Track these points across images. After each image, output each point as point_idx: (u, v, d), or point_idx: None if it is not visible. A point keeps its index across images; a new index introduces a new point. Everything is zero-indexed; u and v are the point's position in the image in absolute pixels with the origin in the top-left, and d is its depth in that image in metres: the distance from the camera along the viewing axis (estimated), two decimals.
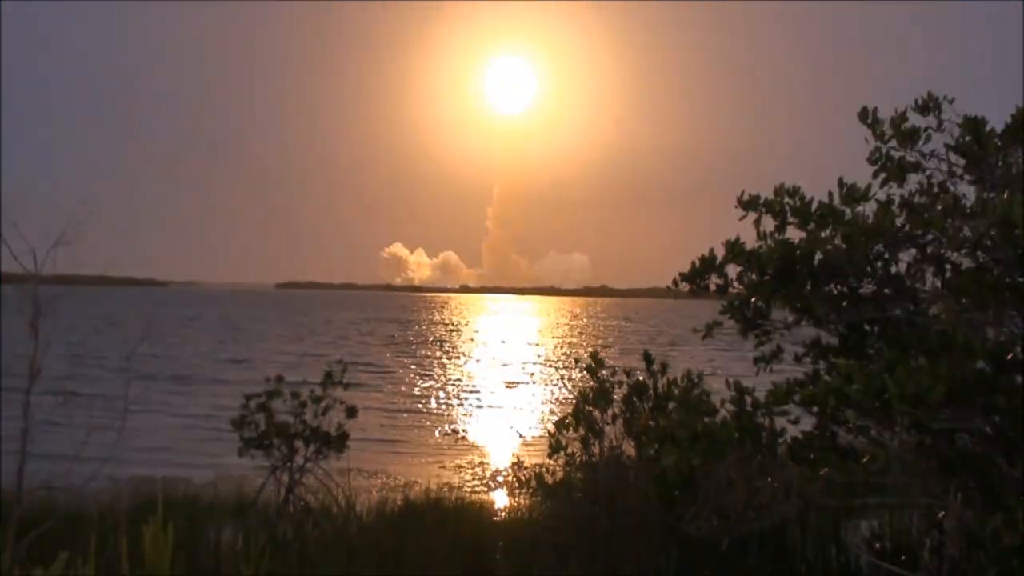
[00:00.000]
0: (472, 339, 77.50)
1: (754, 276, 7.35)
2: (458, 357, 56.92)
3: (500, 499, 11.15)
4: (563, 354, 54.72)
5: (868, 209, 6.99)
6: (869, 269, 7.09)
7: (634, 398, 9.40)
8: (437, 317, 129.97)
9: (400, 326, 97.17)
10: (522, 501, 10.41)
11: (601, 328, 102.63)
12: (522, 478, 10.01)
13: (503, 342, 73.98)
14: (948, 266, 6.91)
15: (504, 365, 50.47)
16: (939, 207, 6.73)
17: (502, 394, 35.59)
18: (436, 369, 47.12)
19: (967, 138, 6.93)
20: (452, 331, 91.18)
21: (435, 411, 30.19)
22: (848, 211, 7.00)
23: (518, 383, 39.50)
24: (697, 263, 7.62)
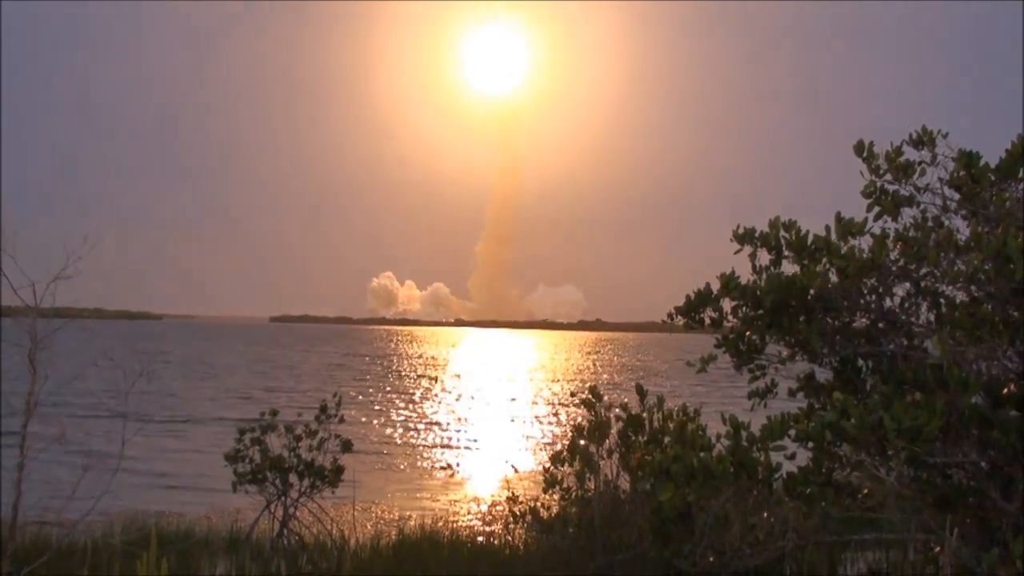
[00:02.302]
0: (464, 374, 77.29)
1: (749, 310, 7.37)
2: (453, 392, 56.77)
3: (495, 533, 11.08)
4: (560, 388, 54.61)
5: (863, 243, 7.02)
6: (863, 303, 7.11)
7: (630, 432, 9.39)
8: (430, 352, 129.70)
9: (392, 360, 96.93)
10: (518, 535, 10.36)
11: (595, 362, 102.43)
12: (517, 512, 9.98)
13: (498, 377, 73.82)
14: (942, 300, 6.94)
15: (499, 399, 50.32)
16: (933, 241, 6.76)
17: (497, 428, 35.47)
18: (430, 403, 46.99)
19: (961, 173, 6.96)
20: (446, 366, 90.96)
21: (429, 445, 30.09)
22: (843, 245, 7.02)
23: (514, 417, 39.38)
24: (692, 297, 7.64)
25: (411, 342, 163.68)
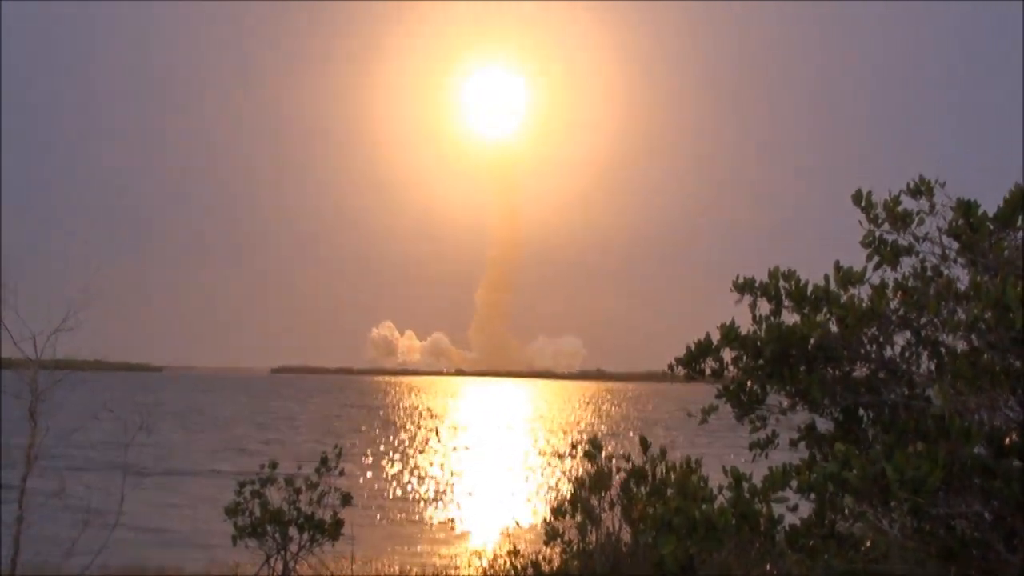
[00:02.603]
0: (463, 425, 77.05)
1: (749, 360, 7.36)
2: (452, 443, 56.57)
3: None
4: (560, 439, 54.41)
5: (863, 292, 7.02)
6: (864, 352, 7.10)
7: (632, 484, 9.34)
8: (430, 403, 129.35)
9: (391, 411, 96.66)
10: None
11: (596, 413, 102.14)
12: (518, 566, 9.91)
13: (497, 428, 73.59)
14: (943, 350, 6.93)
15: (498, 450, 50.14)
16: (933, 290, 6.76)
17: (496, 480, 35.31)
18: (429, 455, 46.80)
19: (960, 221, 6.98)
20: (446, 417, 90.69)
21: (429, 498, 29.93)
22: (843, 294, 7.02)
23: (513, 468, 39.22)
24: (692, 347, 7.63)
25: (411, 393, 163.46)
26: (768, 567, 6.71)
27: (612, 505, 9.51)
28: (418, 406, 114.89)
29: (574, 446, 10.48)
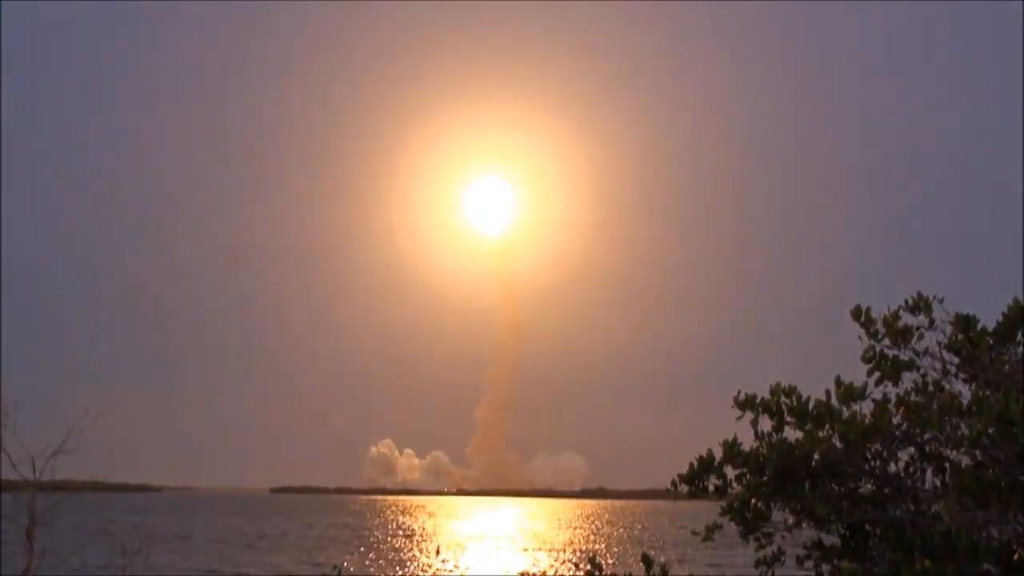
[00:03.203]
0: (464, 546, 76.13)
1: (753, 477, 7.32)
2: (451, 562, 55.83)
3: None
4: (560, 558, 53.72)
5: (865, 407, 7.02)
6: (868, 468, 7.07)
7: None
8: (430, 523, 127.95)
9: (390, 532, 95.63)
10: None
11: (597, 532, 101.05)
12: None
13: (498, 548, 72.71)
14: (947, 465, 6.90)
15: (499, 571, 49.41)
16: (935, 405, 6.76)
17: None
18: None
19: (959, 336, 7.02)
20: (446, 537, 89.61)
21: None
22: (845, 410, 7.02)
23: None
24: (695, 464, 7.60)
25: (411, 513, 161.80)
26: None
27: None
28: (418, 526, 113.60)
29: (576, 566, 10.36)
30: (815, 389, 7.23)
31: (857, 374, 7.25)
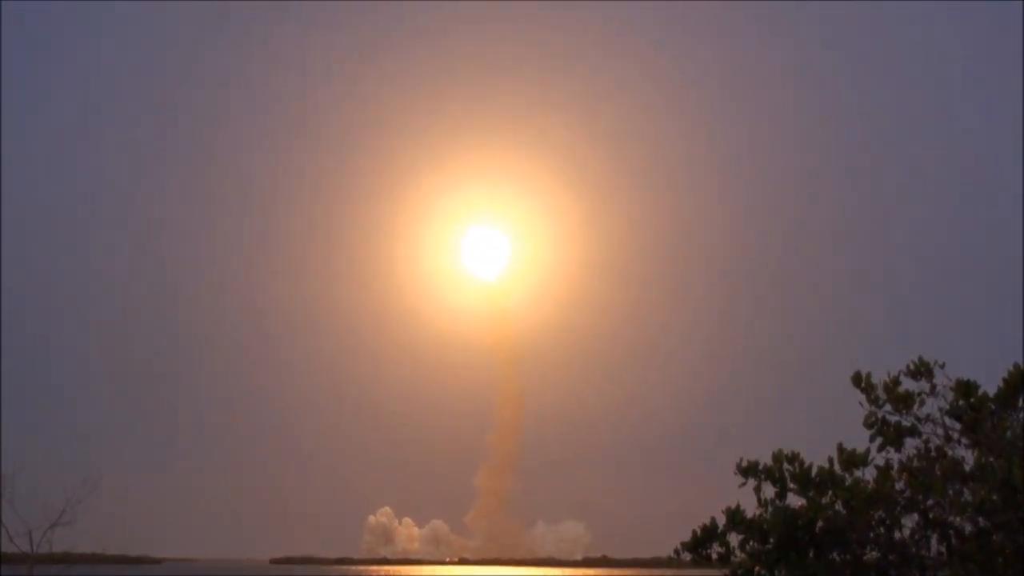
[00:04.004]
0: None
1: (756, 544, 7.27)
2: None
3: None
4: None
5: (868, 473, 7.00)
6: (872, 535, 7.03)
7: None
8: None
9: None
10: None
11: None
12: None
13: None
14: (952, 531, 6.86)
15: None
16: (938, 471, 6.74)
17: None
18: None
19: (960, 402, 7.01)
20: None
21: None
22: (847, 476, 7.00)
23: None
24: (698, 532, 7.55)
25: None
26: None
27: None
28: None
29: None
30: (818, 455, 7.21)
31: (859, 440, 7.24)
